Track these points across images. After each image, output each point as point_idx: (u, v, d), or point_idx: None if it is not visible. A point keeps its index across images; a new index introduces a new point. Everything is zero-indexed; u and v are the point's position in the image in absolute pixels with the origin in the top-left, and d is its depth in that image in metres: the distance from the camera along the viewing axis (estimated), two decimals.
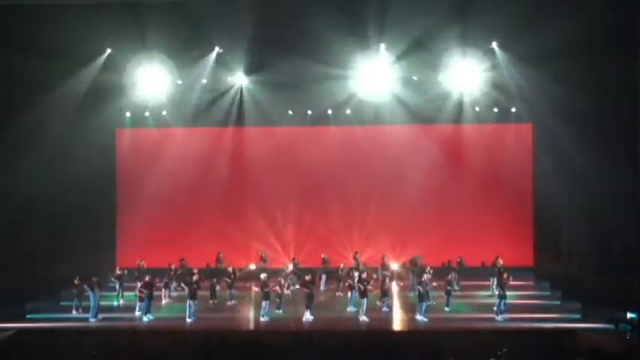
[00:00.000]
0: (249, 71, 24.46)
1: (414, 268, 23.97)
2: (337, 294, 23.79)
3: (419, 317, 20.70)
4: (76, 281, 21.81)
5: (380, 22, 21.07)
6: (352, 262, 24.50)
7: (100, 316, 21.24)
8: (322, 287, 24.29)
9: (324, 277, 24.60)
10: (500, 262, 23.38)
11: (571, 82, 21.37)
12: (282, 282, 21.91)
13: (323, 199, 26.72)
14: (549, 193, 24.84)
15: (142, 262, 24.09)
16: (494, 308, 20.94)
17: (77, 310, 21.87)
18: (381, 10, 20.69)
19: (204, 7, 20.59)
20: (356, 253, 25.02)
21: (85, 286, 21.46)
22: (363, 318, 20.55)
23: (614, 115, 20.73)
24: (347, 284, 22.47)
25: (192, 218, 26.79)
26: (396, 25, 21.14)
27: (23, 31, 20.38)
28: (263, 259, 25.06)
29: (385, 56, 22.94)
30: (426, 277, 21.32)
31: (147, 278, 21.63)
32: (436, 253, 24.68)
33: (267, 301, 20.80)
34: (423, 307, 20.74)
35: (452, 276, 22.82)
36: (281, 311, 21.45)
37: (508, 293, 21.02)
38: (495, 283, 22.80)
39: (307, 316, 20.66)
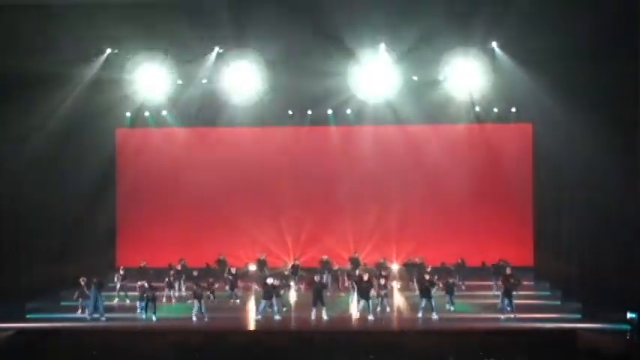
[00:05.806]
0: (249, 71, 24.41)
1: (414, 269, 23.93)
2: (329, 294, 23.82)
3: (420, 315, 20.84)
4: (82, 281, 21.66)
5: (380, 21, 21.05)
6: (352, 263, 24.44)
7: (98, 315, 21.25)
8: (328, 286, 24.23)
9: (324, 276, 24.53)
10: (508, 270, 21.97)
11: (572, 82, 21.37)
12: (276, 283, 21.84)
13: (323, 199, 26.68)
14: (549, 194, 24.84)
15: (145, 264, 24.13)
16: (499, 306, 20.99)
17: (83, 310, 21.71)
18: (381, 10, 20.67)
19: (204, 7, 20.57)
20: (354, 253, 24.96)
21: (91, 286, 21.40)
22: (369, 317, 20.58)
23: (614, 116, 20.70)
24: (347, 285, 22.45)
25: (192, 218, 26.76)
26: (397, 25, 21.12)
27: (23, 31, 20.35)
28: (261, 263, 24.90)
29: (385, 56, 22.92)
30: (428, 277, 21.35)
31: (146, 280, 21.69)
32: (436, 254, 24.66)
33: (268, 301, 20.80)
34: (425, 306, 20.84)
35: (454, 276, 22.80)
36: (285, 308, 21.51)
37: None
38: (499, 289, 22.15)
39: (313, 315, 20.55)
